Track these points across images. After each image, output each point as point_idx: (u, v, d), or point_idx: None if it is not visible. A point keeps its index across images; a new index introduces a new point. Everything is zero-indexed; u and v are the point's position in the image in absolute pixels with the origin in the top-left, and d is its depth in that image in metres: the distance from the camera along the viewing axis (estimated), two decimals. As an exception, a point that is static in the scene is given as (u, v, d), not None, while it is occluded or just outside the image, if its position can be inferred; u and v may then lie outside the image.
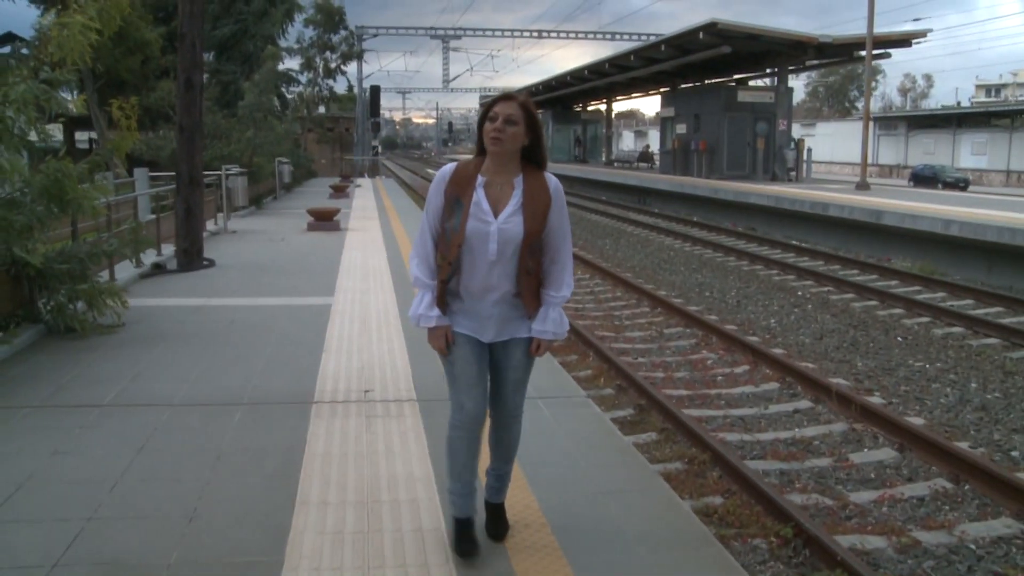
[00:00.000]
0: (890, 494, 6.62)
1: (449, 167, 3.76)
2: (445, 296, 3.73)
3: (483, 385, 3.76)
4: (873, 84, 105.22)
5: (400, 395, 6.32)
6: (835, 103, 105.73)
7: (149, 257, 12.87)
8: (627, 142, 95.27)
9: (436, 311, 3.69)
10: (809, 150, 41.11)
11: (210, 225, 17.80)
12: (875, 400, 8.89)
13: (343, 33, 45.73)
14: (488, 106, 3.66)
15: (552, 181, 3.72)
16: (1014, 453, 7.62)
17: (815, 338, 11.97)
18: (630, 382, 9.05)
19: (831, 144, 68.44)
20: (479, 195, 3.62)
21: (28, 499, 4.48)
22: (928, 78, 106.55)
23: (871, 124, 67.40)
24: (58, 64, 7.40)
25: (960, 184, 46.97)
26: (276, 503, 4.40)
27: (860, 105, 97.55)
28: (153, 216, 14.63)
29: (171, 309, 9.68)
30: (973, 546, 5.79)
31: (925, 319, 12.92)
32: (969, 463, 6.88)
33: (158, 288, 11.24)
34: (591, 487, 4.66)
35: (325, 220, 18.58)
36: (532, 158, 3.72)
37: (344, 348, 7.74)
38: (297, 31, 45.19)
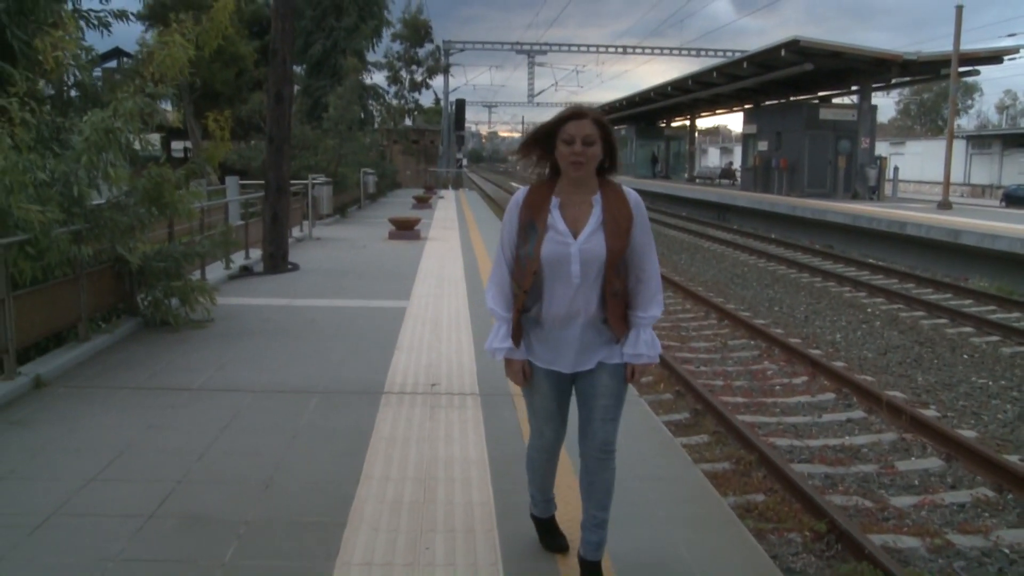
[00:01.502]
0: (931, 499, 6.85)
1: (522, 192, 3.62)
2: (522, 326, 3.59)
3: (562, 415, 3.68)
4: (969, 101, 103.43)
5: (464, 389, 6.79)
6: (928, 121, 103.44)
7: (237, 260, 13.64)
8: (712, 158, 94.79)
9: (509, 343, 3.57)
10: (896, 169, 40.58)
11: (296, 232, 18.61)
12: (930, 413, 9.06)
13: (429, 47, 46.72)
14: (557, 124, 3.45)
15: (632, 195, 3.56)
16: (1063, 467, 7.74)
17: (879, 353, 12.10)
18: (688, 388, 9.39)
19: (920, 163, 67.10)
20: (555, 217, 3.45)
21: (128, 463, 5.08)
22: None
23: (965, 143, 66.29)
24: (160, 80, 8.09)
25: (1056, 205, 45.65)
26: (343, 476, 4.90)
27: (954, 123, 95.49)
28: (242, 222, 15.43)
29: (256, 308, 10.35)
30: (1007, 550, 6.00)
31: (995, 338, 12.92)
32: (1013, 473, 7.05)
33: (245, 288, 11.96)
34: (629, 472, 5.05)
35: (406, 229, 19.23)
36: (604, 170, 3.57)
37: (415, 347, 8.27)
38: (385, 46, 46.29)
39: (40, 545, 3.98)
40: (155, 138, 10.03)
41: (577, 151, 3.38)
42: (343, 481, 4.82)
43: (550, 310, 3.50)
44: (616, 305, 3.50)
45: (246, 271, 13.48)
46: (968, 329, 13.57)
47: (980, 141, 68.45)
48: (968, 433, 8.45)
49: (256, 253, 14.45)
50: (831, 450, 8.00)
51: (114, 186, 7.93)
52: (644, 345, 3.55)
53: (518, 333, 3.57)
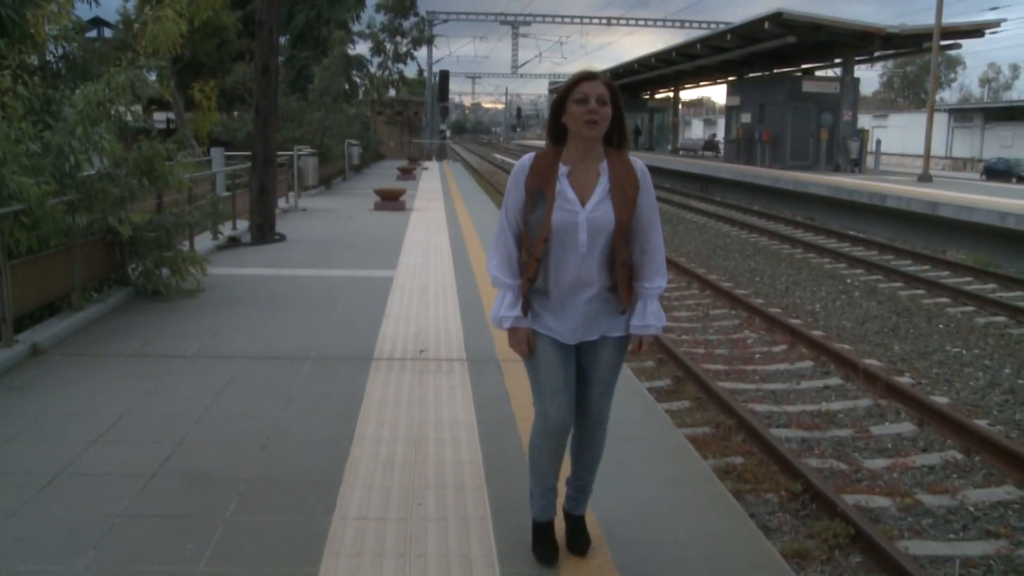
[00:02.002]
0: (902, 462, 7.11)
1: (528, 158, 3.54)
2: (530, 296, 3.52)
3: (569, 392, 3.53)
4: (952, 75, 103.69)
5: (451, 355, 6.98)
6: (911, 94, 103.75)
7: (225, 231, 13.75)
8: (696, 130, 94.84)
9: (517, 311, 3.50)
10: (878, 141, 40.91)
11: (282, 203, 18.70)
12: (904, 380, 9.31)
13: (413, 19, 46.54)
14: (569, 87, 3.38)
15: (638, 164, 3.48)
16: (1032, 431, 8.02)
17: (857, 323, 12.36)
18: (670, 355, 9.61)
19: (903, 136, 67.38)
20: (563, 184, 3.39)
21: (128, 426, 5.26)
22: (1015, 68, 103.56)
23: (947, 116, 66.58)
24: (152, 53, 8.19)
25: (1036, 178, 46.02)
26: (337, 437, 5.09)
27: (937, 96, 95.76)
28: (228, 193, 15.51)
29: (246, 277, 10.49)
30: (972, 508, 6.26)
31: (970, 308, 13.19)
32: (982, 437, 7.31)
33: (233, 259, 12.09)
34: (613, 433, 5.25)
35: (391, 200, 19.35)
36: (611, 140, 3.49)
37: (403, 315, 8.45)
38: (369, 16, 46.08)
39: (50, 502, 4.16)
40: (137, 110, 10.04)
41: (593, 108, 3.29)
42: (337, 442, 5.01)
43: (558, 279, 3.45)
44: (624, 275, 3.47)
45: (234, 242, 13.59)
46: (944, 300, 13.84)
47: (962, 114, 68.78)
48: (941, 399, 8.71)
49: (243, 224, 14.55)
50: (808, 415, 8.24)
51: (105, 158, 8.03)
52: (652, 316, 3.52)
53: (526, 301, 3.51)
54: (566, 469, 3.75)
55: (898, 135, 67.21)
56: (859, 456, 7.27)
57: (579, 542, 3.81)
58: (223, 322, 8.08)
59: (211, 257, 11.75)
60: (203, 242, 12.60)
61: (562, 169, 3.42)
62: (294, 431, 5.23)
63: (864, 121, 60.41)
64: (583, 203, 3.38)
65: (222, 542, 3.80)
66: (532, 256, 3.44)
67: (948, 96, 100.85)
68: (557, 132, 3.48)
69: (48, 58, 9.11)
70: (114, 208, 8.36)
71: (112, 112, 7.76)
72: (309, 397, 5.91)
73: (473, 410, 5.63)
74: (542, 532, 3.77)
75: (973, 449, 7.27)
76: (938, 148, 61.18)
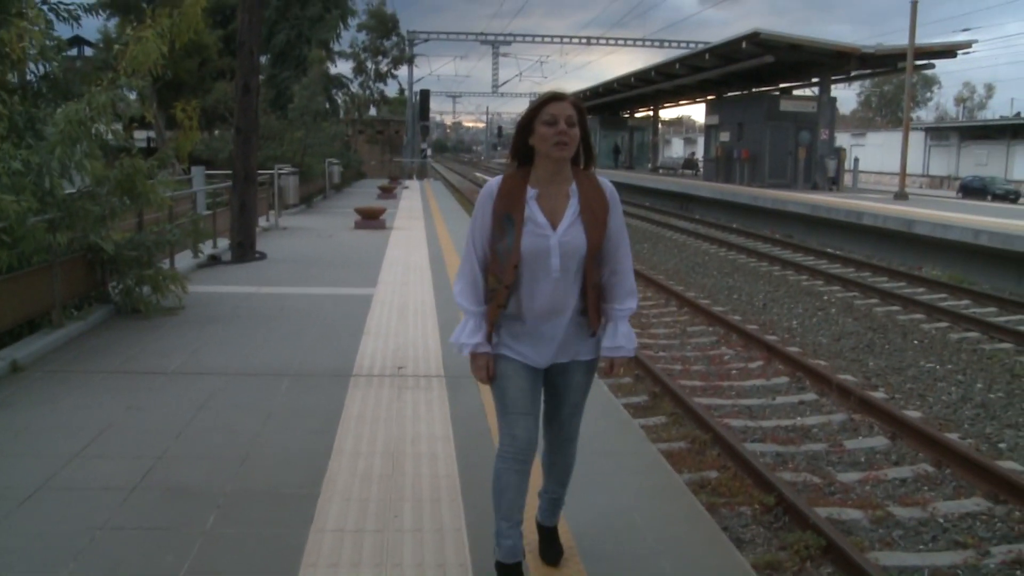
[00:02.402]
0: (875, 475, 7.23)
1: (494, 182, 3.46)
2: (500, 321, 3.46)
3: (536, 413, 3.49)
4: (928, 94, 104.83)
5: (430, 372, 7.06)
6: (888, 113, 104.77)
7: (206, 249, 13.78)
8: (676, 149, 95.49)
9: (478, 338, 3.43)
10: (856, 160, 41.28)
11: (262, 221, 18.73)
12: (878, 395, 9.45)
13: (395, 39, 46.78)
14: (537, 108, 3.34)
15: (606, 184, 3.46)
16: (1001, 445, 8.15)
17: (833, 339, 12.52)
18: (647, 372, 9.72)
19: (881, 154, 68.05)
20: (532, 208, 3.33)
21: (109, 440, 5.31)
22: (989, 88, 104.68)
23: (924, 135, 67.31)
24: (132, 74, 8.27)
25: (1010, 196, 46.48)
26: (316, 452, 5.16)
27: (914, 115, 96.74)
28: (209, 212, 15.56)
29: (226, 295, 10.54)
30: (942, 520, 6.38)
31: (943, 324, 13.37)
32: (952, 450, 7.44)
33: (214, 277, 12.13)
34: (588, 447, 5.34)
35: (371, 219, 19.43)
36: (577, 160, 3.45)
37: (382, 332, 8.52)
38: (351, 36, 46.27)
39: (30, 516, 4.21)
40: (118, 129, 10.09)
41: (563, 130, 3.25)
42: (316, 456, 5.08)
43: (531, 305, 3.38)
44: (595, 297, 3.43)
45: (214, 260, 13.63)
46: (919, 316, 14.03)
47: (938, 133, 69.56)
48: (913, 414, 8.85)
49: (224, 243, 14.60)
50: (783, 430, 8.36)
51: (87, 176, 8.09)
52: (623, 338, 3.47)
53: (490, 328, 3.45)
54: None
55: (876, 154, 67.89)
56: (832, 470, 7.38)
57: (552, 552, 3.82)
58: (204, 339, 8.13)
59: (192, 275, 11.78)
60: (184, 260, 12.63)
61: (530, 192, 3.36)
62: (273, 445, 5.30)
63: (842, 140, 61.13)
64: (554, 227, 3.32)
65: (201, 554, 3.85)
66: (502, 283, 3.37)
67: (925, 115, 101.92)
68: (523, 153, 3.42)
69: (29, 77, 9.16)
70: (95, 226, 8.42)
71: (93, 131, 7.82)
72: (288, 412, 5.97)
73: (450, 425, 5.71)
74: (511, 574, 3.60)
75: (944, 462, 7.40)
76: (915, 166, 61.88)
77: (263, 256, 14.11)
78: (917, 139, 63.84)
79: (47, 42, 8.39)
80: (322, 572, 3.70)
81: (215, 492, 4.54)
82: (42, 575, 3.63)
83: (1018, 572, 5.57)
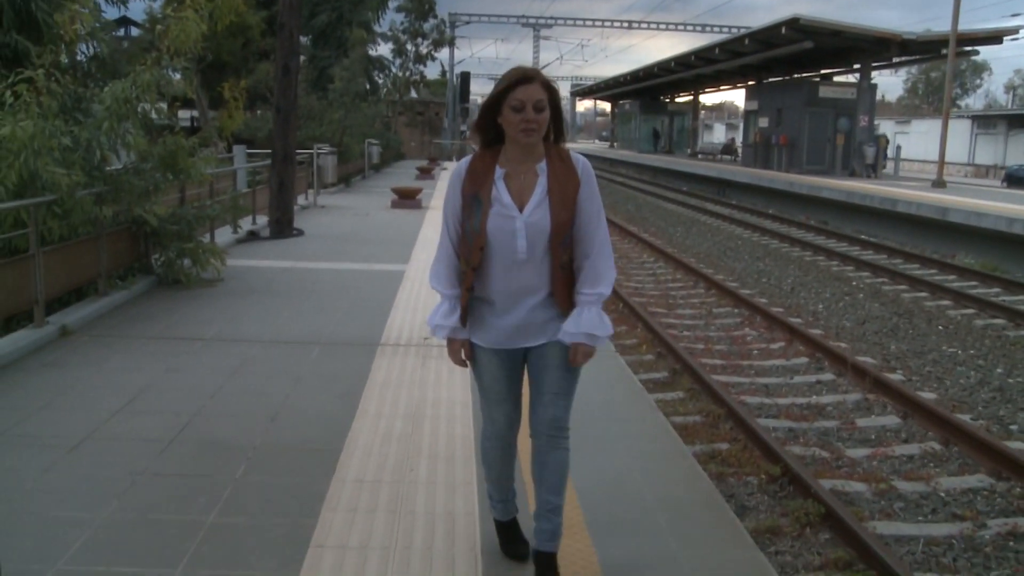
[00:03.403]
0: (883, 451, 7.44)
1: (464, 161, 3.40)
2: (470, 304, 3.39)
3: (513, 397, 3.50)
4: (978, 81, 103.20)
5: (453, 343, 7.38)
6: (935, 100, 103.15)
7: (245, 225, 14.22)
8: (718, 134, 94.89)
9: (452, 321, 3.38)
10: (898, 147, 40.99)
11: (301, 200, 19.18)
12: (895, 377, 9.62)
13: (433, 21, 47.02)
14: (504, 91, 3.22)
15: (580, 161, 3.34)
16: (1013, 427, 8.30)
17: (857, 323, 12.66)
18: (669, 349, 9.97)
19: (926, 142, 67.00)
20: (499, 188, 3.25)
21: (150, 399, 5.71)
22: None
23: (970, 123, 66.35)
24: (175, 53, 8.65)
25: (1057, 186, 45.85)
26: (341, 412, 5.50)
27: (961, 103, 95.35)
28: (249, 189, 16.00)
29: (263, 269, 10.94)
30: (943, 494, 6.59)
31: (970, 311, 13.44)
32: (961, 429, 7.63)
33: (252, 251, 12.56)
34: (598, 412, 5.64)
35: (408, 198, 19.79)
36: (547, 136, 3.34)
37: (411, 305, 8.86)
38: (390, 17, 46.65)
39: (78, 461, 4.59)
40: (162, 107, 10.53)
41: (529, 118, 3.17)
42: (341, 416, 5.42)
43: (499, 288, 3.30)
44: (561, 279, 3.31)
45: (253, 236, 14.06)
46: (946, 302, 14.09)
47: (986, 121, 68.46)
48: (928, 395, 9.02)
49: (262, 219, 15.02)
50: (797, 407, 8.57)
51: (131, 152, 8.50)
52: (587, 324, 3.28)
53: (464, 312, 3.38)
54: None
55: (921, 141, 66.96)
56: (842, 445, 7.60)
57: None
58: (240, 310, 8.53)
59: (230, 249, 12.20)
60: (223, 235, 13.05)
61: (498, 172, 3.29)
62: (301, 406, 5.66)
63: (886, 127, 60.48)
64: (521, 208, 3.24)
65: (231, 498, 4.21)
66: (469, 265, 3.31)
67: (973, 102, 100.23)
68: (491, 133, 3.35)
69: (79, 57, 9.59)
70: (139, 200, 8.82)
71: (138, 109, 8.22)
72: (317, 377, 6.33)
73: (470, 391, 6.01)
74: (507, 530, 3.76)
75: (952, 440, 7.59)
76: (961, 155, 61.05)
77: (300, 233, 14.51)
78: (963, 127, 62.97)
79: (96, 24, 8.77)
80: (341, 516, 4.04)
81: (245, 446, 4.90)
82: (89, 511, 3.99)
83: (1012, 543, 5.78)
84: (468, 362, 3.50)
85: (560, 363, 3.39)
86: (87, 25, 8.38)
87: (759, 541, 5.22)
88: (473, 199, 3.29)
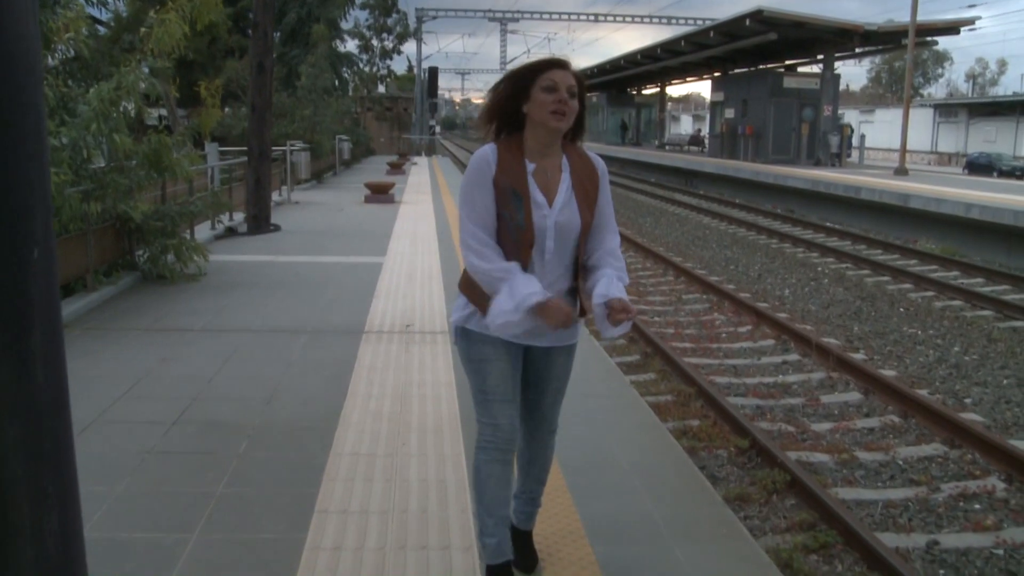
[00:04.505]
0: (845, 425, 7.84)
1: (489, 151, 3.15)
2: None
3: (517, 400, 3.29)
4: (939, 70, 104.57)
5: (435, 328, 7.70)
6: (899, 89, 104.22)
7: (223, 222, 14.44)
8: (685, 125, 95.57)
9: (535, 286, 2.98)
10: (863, 136, 41.73)
11: (275, 196, 19.35)
12: (858, 356, 10.04)
13: (396, 16, 47.24)
14: (535, 71, 3.09)
15: (597, 160, 3.27)
16: (967, 400, 8.74)
17: (822, 306, 13.10)
18: (640, 334, 10.33)
19: (889, 131, 67.92)
20: (531, 183, 3.09)
21: (148, 386, 5.98)
22: (1002, 64, 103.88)
23: (932, 111, 67.33)
24: (158, 54, 8.90)
25: (1017, 173, 46.66)
26: (332, 394, 5.80)
27: (924, 92, 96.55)
28: (224, 187, 16.21)
29: (244, 263, 11.19)
30: (901, 462, 7.00)
31: (930, 293, 13.93)
32: (918, 403, 8.05)
33: (231, 247, 12.79)
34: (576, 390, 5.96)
35: (381, 193, 20.04)
36: (566, 133, 3.19)
37: (391, 295, 9.16)
38: (356, 15, 46.73)
39: (88, 442, 4.86)
40: (144, 107, 10.78)
41: (563, 99, 3.02)
42: (332, 397, 5.72)
43: None
44: (581, 277, 3.23)
45: (231, 232, 14.28)
46: (907, 286, 14.58)
47: (947, 110, 69.47)
48: (888, 372, 9.45)
49: (239, 216, 15.23)
50: (765, 386, 8.97)
51: (116, 151, 8.73)
52: (618, 291, 3.08)
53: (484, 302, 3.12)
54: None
55: (885, 130, 67.83)
56: (807, 420, 8.00)
57: (527, 559, 3.60)
58: (226, 302, 8.78)
59: (210, 246, 12.42)
60: (202, 231, 13.29)
61: (529, 166, 3.12)
62: (294, 389, 5.95)
63: (851, 116, 61.28)
64: (549, 204, 3.11)
65: (237, 471, 4.51)
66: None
67: (936, 91, 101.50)
68: (511, 121, 3.19)
69: (59, 58, 9.78)
70: (124, 197, 9.05)
71: (121, 108, 8.46)
72: (307, 363, 6.63)
73: (453, 373, 6.33)
74: (504, 573, 3.39)
75: (910, 413, 8.00)
76: (923, 143, 62.00)
77: (277, 228, 14.74)
78: (926, 116, 63.94)
79: (85, 31, 9.00)
80: (341, 485, 4.34)
81: (245, 425, 5.19)
82: (105, 486, 4.27)
83: (962, 503, 6.20)
84: (564, 316, 3.04)
85: (565, 370, 3.38)
86: (79, 32, 8.60)
87: (729, 507, 5.56)
88: (511, 192, 3.07)
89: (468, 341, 3.27)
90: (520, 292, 2.97)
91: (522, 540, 3.61)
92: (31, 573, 1.70)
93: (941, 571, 5.32)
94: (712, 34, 34.82)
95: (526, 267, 3.08)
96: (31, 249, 1.56)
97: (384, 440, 4.98)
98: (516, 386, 3.28)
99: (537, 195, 3.09)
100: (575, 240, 3.15)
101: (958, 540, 5.67)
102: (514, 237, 3.08)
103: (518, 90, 3.11)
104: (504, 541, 3.35)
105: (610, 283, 3.09)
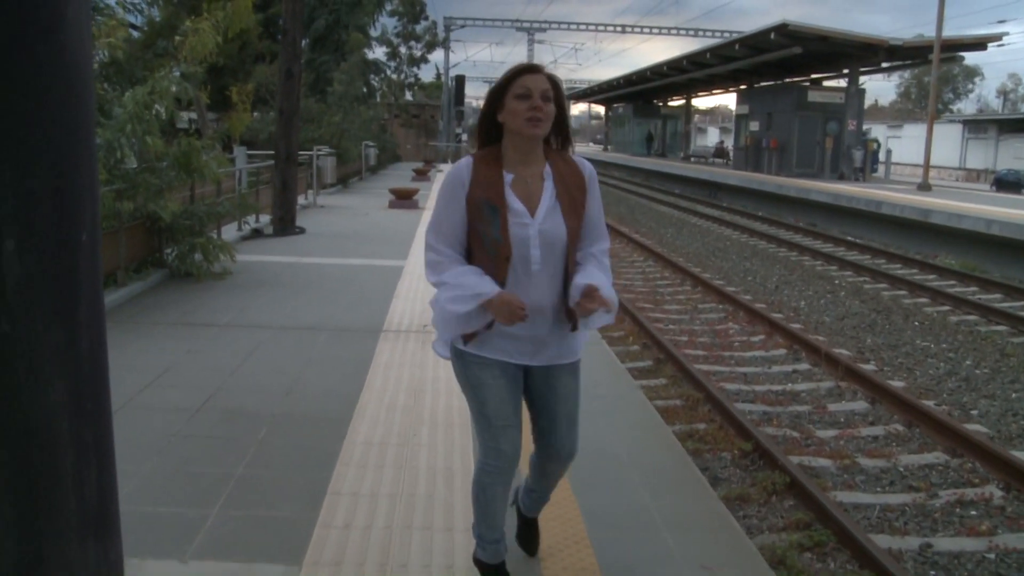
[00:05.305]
0: (850, 432, 8.01)
1: (464, 166, 3.09)
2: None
3: (519, 422, 3.18)
4: (970, 85, 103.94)
5: (450, 330, 7.94)
6: (928, 105, 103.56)
7: (248, 224, 14.79)
8: (713, 137, 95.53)
9: (487, 287, 2.95)
10: (889, 151, 41.65)
11: (301, 200, 19.71)
12: (868, 367, 10.19)
13: (424, 23, 47.71)
14: (508, 80, 3.02)
15: (584, 164, 3.17)
16: (974, 411, 8.88)
17: (837, 318, 13.24)
18: (654, 340, 10.53)
19: (917, 146, 67.40)
20: (509, 194, 3.01)
21: (174, 376, 6.27)
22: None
23: (961, 127, 66.93)
24: (191, 61, 9.25)
25: (1047, 190, 46.31)
26: (349, 388, 6.06)
27: (953, 107, 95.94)
28: (251, 189, 16.58)
29: (269, 264, 11.51)
30: (902, 469, 7.16)
31: (945, 308, 14.02)
32: (924, 413, 8.20)
33: (257, 248, 13.12)
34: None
35: (405, 199, 20.36)
36: (549, 140, 3.14)
37: (410, 296, 9.42)
38: (384, 22, 47.28)
39: (117, 426, 5.02)
40: (178, 112, 11.17)
41: (538, 105, 2.94)
42: (349, 391, 5.99)
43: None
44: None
45: (257, 233, 14.62)
46: (923, 300, 14.67)
47: (977, 126, 68.92)
48: (897, 383, 9.59)
49: (265, 218, 15.58)
50: (773, 394, 9.14)
51: (148, 152, 9.06)
52: (600, 279, 3.06)
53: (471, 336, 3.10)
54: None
55: (913, 145, 67.21)
56: (812, 427, 8.17)
57: (533, 542, 3.75)
58: (250, 300, 9.09)
59: (237, 246, 12.72)
60: (228, 232, 13.62)
61: (507, 177, 3.05)
62: (313, 383, 6.23)
63: (879, 131, 61.02)
64: (531, 214, 3.03)
65: (256, 455, 4.77)
66: (496, 280, 3.01)
67: (966, 107, 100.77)
68: (490, 132, 3.14)
69: (97, 62, 10.13)
70: (154, 197, 9.38)
71: (154, 112, 8.79)
72: (326, 358, 6.90)
73: (466, 371, 6.57)
74: (496, 573, 3.45)
75: (915, 423, 8.16)
76: (952, 159, 61.58)
77: (302, 231, 15.07)
78: (955, 132, 63.53)
79: (124, 38, 9.35)
80: (353, 470, 4.59)
81: (265, 414, 5.46)
82: (133, 465, 4.54)
83: (958, 509, 6.36)
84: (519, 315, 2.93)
85: (573, 390, 3.25)
86: (117, 39, 8.94)
87: (729, 507, 5.77)
88: (486, 205, 3.00)
89: (463, 363, 3.17)
90: (471, 282, 2.97)
91: (528, 524, 3.70)
92: (74, 519, 1.95)
93: (932, 572, 5.49)
94: (737, 47, 34.95)
95: (504, 283, 3.00)
96: (80, 233, 1.82)
97: (396, 431, 5.23)
98: (517, 408, 3.18)
99: (516, 204, 3.01)
100: (563, 249, 3.06)
101: (952, 544, 5.84)
102: (491, 252, 3.01)
103: (493, 102, 3.07)
104: (501, 544, 3.38)
105: (591, 274, 3.05)
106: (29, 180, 1.67)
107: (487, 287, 2.94)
